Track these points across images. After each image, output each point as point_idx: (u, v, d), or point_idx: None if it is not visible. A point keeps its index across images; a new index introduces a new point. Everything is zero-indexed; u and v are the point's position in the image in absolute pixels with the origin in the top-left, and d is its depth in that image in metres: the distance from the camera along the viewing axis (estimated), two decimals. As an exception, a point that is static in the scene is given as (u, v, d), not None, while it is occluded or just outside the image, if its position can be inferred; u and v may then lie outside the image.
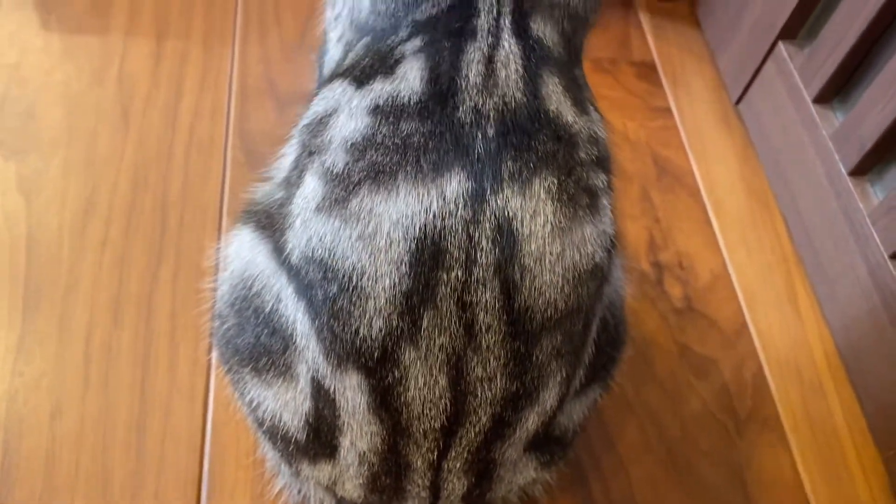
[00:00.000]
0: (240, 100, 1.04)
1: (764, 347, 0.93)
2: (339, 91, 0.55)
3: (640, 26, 1.22)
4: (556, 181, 0.51)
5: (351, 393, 0.53)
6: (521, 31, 0.55)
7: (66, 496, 0.74)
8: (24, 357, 0.80)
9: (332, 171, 0.52)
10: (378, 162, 0.50)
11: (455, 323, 0.50)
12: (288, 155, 0.58)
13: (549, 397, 0.56)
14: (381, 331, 0.50)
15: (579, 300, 0.53)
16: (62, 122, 0.98)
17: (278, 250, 0.56)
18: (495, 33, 0.54)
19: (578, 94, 0.57)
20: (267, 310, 0.56)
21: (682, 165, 1.08)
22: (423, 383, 0.52)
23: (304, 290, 0.53)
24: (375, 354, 0.51)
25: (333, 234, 0.50)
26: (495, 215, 0.50)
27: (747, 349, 0.93)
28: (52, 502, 0.73)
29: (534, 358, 0.53)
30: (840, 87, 0.95)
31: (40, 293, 0.84)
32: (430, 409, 0.53)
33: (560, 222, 0.51)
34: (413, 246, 0.49)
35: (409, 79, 0.52)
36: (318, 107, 0.56)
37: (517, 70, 0.53)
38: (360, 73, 0.55)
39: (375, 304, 0.50)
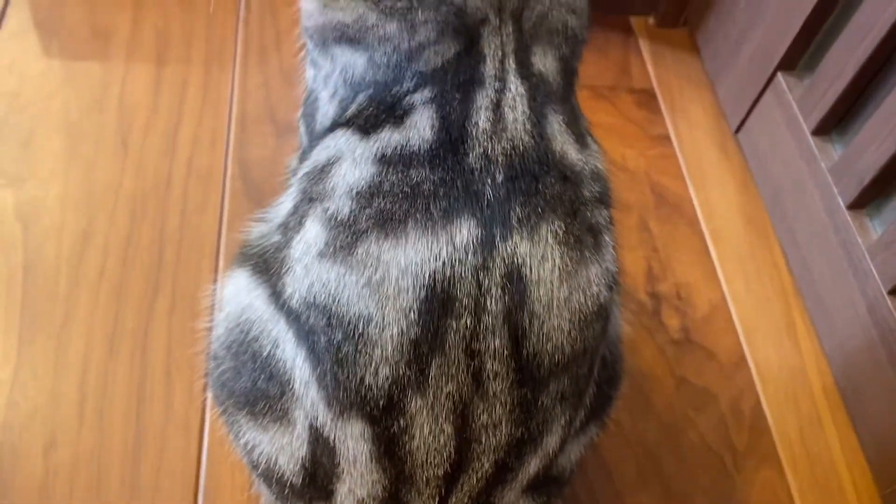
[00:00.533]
0: (239, 127, 1.04)
1: (762, 380, 0.93)
2: (343, 140, 0.55)
3: (640, 53, 1.22)
4: (563, 225, 0.52)
5: (353, 442, 0.53)
6: (525, 71, 0.56)
7: (59, 531, 0.74)
8: (19, 388, 0.80)
9: (336, 218, 0.51)
10: (386, 209, 0.50)
11: (463, 371, 0.50)
12: (286, 202, 0.58)
13: (552, 441, 0.56)
14: (387, 379, 0.50)
15: (585, 343, 0.54)
16: (61, 150, 0.98)
17: (276, 295, 0.55)
18: (501, 77, 0.55)
19: (577, 127, 0.58)
20: (264, 354, 0.56)
21: (680, 194, 1.07)
22: (428, 432, 0.51)
23: (305, 335, 0.52)
24: (381, 403, 0.50)
25: (338, 280, 0.50)
26: (504, 262, 0.50)
27: (745, 382, 0.93)
28: (46, 537, 0.73)
29: (539, 403, 0.53)
30: (839, 120, 0.95)
31: (36, 324, 0.84)
32: (434, 458, 0.52)
33: (567, 266, 0.51)
34: (422, 294, 0.49)
35: (420, 128, 0.53)
36: (319, 155, 0.56)
37: (524, 112, 0.54)
38: (364, 123, 0.55)
39: (382, 352, 0.49)
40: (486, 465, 0.54)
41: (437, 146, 0.52)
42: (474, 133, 0.52)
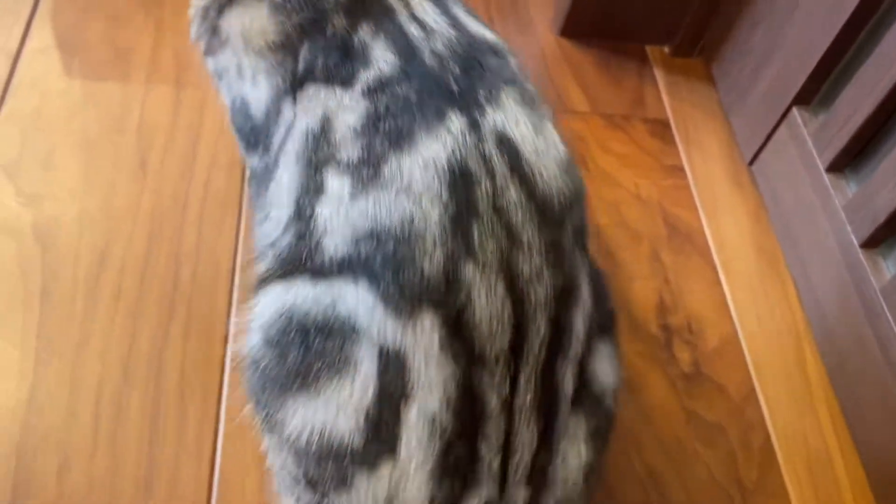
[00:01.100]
0: (256, 150, 1.05)
1: (772, 416, 0.93)
2: (324, 96, 0.62)
3: (655, 83, 1.22)
4: (513, 90, 0.62)
5: (424, 339, 0.56)
6: None
7: (71, 554, 0.74)
8: (35, 410, 0.81)
9: (352, 163, 0.59)
10: (392, 128, 0.59)
11: (498, 226, 0.57)
12: (285, 203, 0.63)
13: (584, 291, 0.63)
14: (441, 259, 0.56)
15: (575, 184, 0.62)
16: (80, 171, 0.99)
17: (316, 272, 0.59)
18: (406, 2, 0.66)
19: (472, 10, 0.69)
20: (320, 319, 0.58)
21: (693, 225, 1.08)
22: (485, 296, 0.56)
23: (362, 269, 0.57)
24: (442, 287, 0.56)
25: (375, 203, 0.57)
26: (492, 132, 0.59)
27: (755, 417, 0.93)
28: (58, 560, 0.74)
29: (563, 246, 0.60)
30: (854, 158, 0.95)
31: (52, 345, 0.85)
32: (496, 326, 0.57)
33: (534, 121, 0.61)
34: (446, 178, 0.56)
35: (383, 55, 0.62)
36: (308, 120, 0.63)
37: (435, 10, 0.65)
38: (328, 74, 0.63)
39: (432, 237, 0.56)
40: (543, 328, 0.59)
41: (404, 63, 0.61)
42: (415, 43, 0.62)
